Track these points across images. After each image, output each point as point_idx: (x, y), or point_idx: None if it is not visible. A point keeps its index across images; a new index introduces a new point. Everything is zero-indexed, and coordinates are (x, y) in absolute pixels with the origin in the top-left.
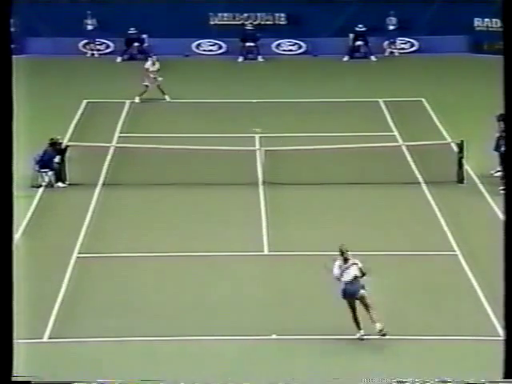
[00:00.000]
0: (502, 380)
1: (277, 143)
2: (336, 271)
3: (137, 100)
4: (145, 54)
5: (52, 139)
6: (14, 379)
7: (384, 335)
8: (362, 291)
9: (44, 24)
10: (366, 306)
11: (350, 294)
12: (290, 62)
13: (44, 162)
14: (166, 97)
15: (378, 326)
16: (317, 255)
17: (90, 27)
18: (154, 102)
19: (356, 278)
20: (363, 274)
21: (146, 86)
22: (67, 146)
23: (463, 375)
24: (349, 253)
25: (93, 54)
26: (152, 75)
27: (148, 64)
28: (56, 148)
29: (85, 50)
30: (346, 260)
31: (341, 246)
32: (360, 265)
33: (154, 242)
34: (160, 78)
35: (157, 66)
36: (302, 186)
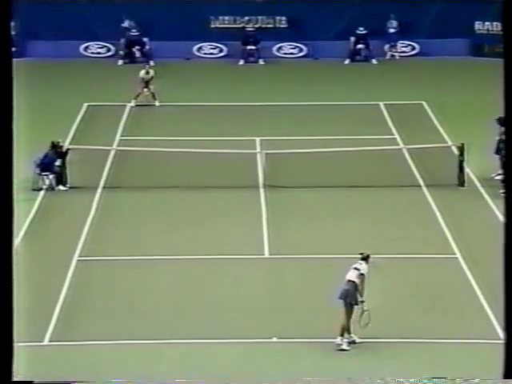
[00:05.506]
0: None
1: (277, 146)
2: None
3: (132, 103)
4: (146, 57)
5: (53, 142)
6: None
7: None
8: (348, 299)
9: (45, 27)
10: (346, 315)
11: (340, 295)
12: (291, 65)
13: (45, 165)
14: (156, 102)
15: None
16: (317, 258)
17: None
18: (155, 106)
19: (349, 281)
20: (356, 284)
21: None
22: (68, 149)
23: (463, 377)
24: (363, 261)
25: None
26: (144, 85)
27: (142, 73)
28: (57, 151)
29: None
30: (360, 263)
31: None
32: (362, 271)
33: (154, 246)
34: (152, 87)
35: (151, 73)
36: (303, 189)
